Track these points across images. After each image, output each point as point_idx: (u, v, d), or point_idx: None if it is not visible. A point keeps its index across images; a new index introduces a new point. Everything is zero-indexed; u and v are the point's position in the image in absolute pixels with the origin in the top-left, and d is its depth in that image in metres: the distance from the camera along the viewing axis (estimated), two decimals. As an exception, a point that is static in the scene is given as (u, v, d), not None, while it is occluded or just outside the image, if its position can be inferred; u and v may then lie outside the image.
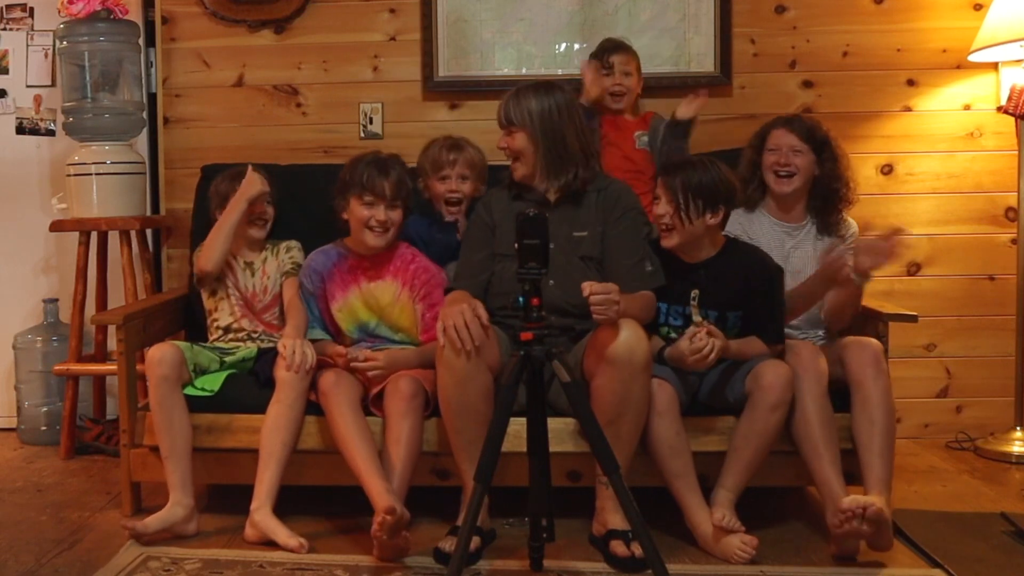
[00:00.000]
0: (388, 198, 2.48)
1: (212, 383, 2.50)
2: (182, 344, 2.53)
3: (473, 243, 2.49)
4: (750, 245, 2.51)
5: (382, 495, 2.16)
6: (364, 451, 2.27)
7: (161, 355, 2.40)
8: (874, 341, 2.33)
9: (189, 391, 2.46)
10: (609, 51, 2.93)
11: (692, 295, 2.37)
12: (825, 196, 2.57)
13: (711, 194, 2.33)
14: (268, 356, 2.50)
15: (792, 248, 2.58)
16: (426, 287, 2.56)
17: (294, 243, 2.76)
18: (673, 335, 2.38)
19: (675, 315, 2.41)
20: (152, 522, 2.28)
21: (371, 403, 2.40)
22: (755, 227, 2.58)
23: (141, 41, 3.32)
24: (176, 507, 2.33)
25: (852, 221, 2.64)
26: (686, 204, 2.32)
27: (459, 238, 2.66)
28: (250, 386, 2.50)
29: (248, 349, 2.63)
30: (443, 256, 2.65)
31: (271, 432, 2.34)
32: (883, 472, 2.22)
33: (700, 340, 2.21)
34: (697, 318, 2.35)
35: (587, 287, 2.09)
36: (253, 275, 2.70)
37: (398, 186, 2.50)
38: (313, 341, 2.50)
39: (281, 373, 2.38)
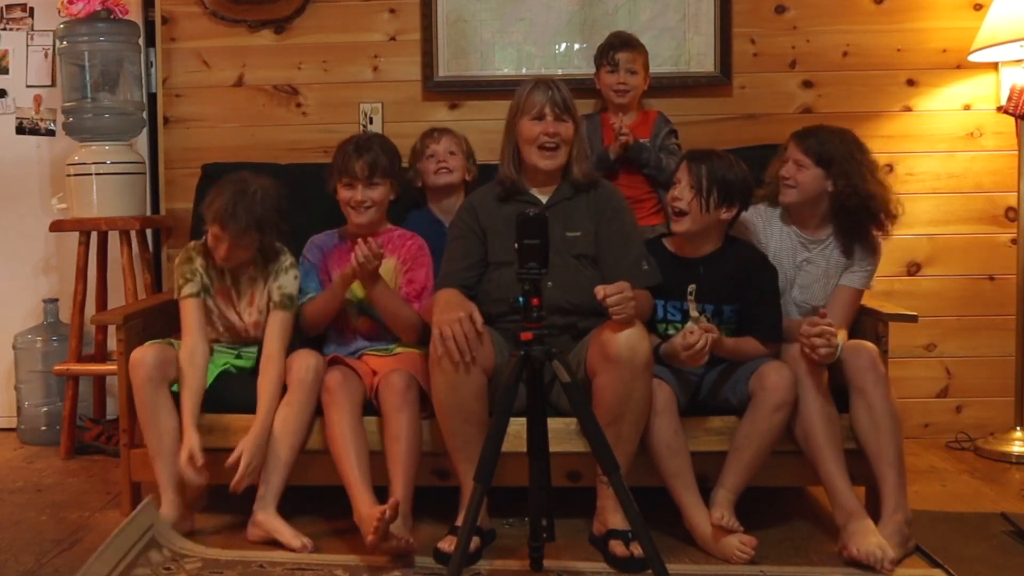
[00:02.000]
0: (364, 178, 2.53)
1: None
2: (166, 341, 2.49)
3: (459, 249, 2.46)
4: (749, 243, 2.52)
5: (368, 504, 2.20)
6: (355, 459, 2.28)
7: (143, 356, 2.37)
8: (870, 345, 2.32)
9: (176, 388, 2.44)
10: (616, 48, 2.90)
11: (689, 290, 2.37)
12: (847, 213, 2.48)
13: (732, 189, 2.37)
14: None
15: (805, 261, 2.54)
16: (412, 262, 2.59)
17: (285, 259, 2.54)
18: (672, 331, 2.39)
19: (673, 311, 2.42)
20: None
21: (374, 398, 2.39)
22: (771, 228, 2.56)
23: (141, 41, 3.32)
24: (169, 508, 2.33)
25: (879, 256, 2.54)
26: (707, 192, 2.35)
27: None
28: (249, 386, 2.49)
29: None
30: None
31: (279, 435, 2.34)
32: (898, 481, 2.22)
33: (693, 336, 2.22)
34: (694, 313, 2.35)
35: (600, 291, 2.09)
36: (240, 297, 2.55)
37: (373, 165, 2.53)
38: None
39: (290, 376, 2.38)
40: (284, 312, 2.50)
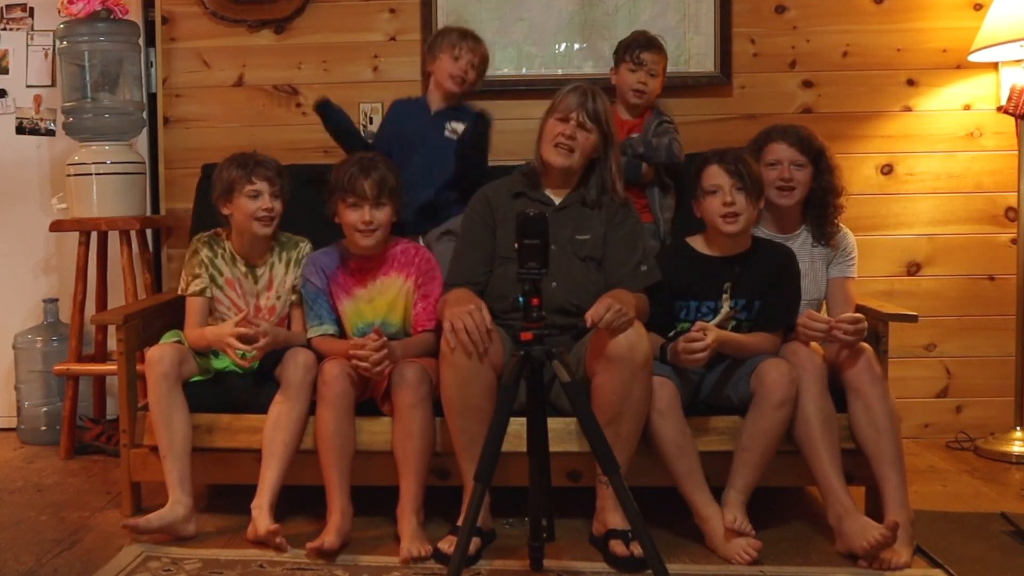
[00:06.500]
0: (371, 198, 2.44)
1: (216, 364, 2.54)
2: (175, 337, 2.52)
3: (472, 242, 2.48)
4: (776, 242, 2.54)
5: (339, 513, 2.27)
6: (337, 462, 2.30)
7: (160, 354, 2.39)
8: (866, 346, 2.33)
9: (196, 378, 2.50)
10: (643, 46, 2.85)
11: (725, 287, 2.38)
12: (820, 206, 2.58)
13: (758, 180, 2.43)
14: (272, 356, 2.48)
15: None
16: (424, 277, 2.54)
17: (305, 246, 2.65)
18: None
19: (707, 310, 2.42)
20: (153, 518, 2.28)
21: (380, 403, 2.40)
22: None
23: (141, 41, 3.32)
24: (176, 506, 2.33)
25: (848, 231, 2.63)
26: (750, 190, 2.39)
27: (448, 135, 2.82)
28: (249, 386, 2.49)
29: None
30: (414, 139, 2.82)
31: (272, 431, 2.34)
32: (899, 481, 2.22)
33: (698, 344, 2.22)
34: (727, 308, 2.36)
35: (589, 320, 2.10)
36: (256, 282, 2.61)
37: (380, 185, 2.45)
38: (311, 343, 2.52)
39: (284, 373, 2.38)
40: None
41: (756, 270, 2.43)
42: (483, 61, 2.90)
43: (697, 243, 2.51)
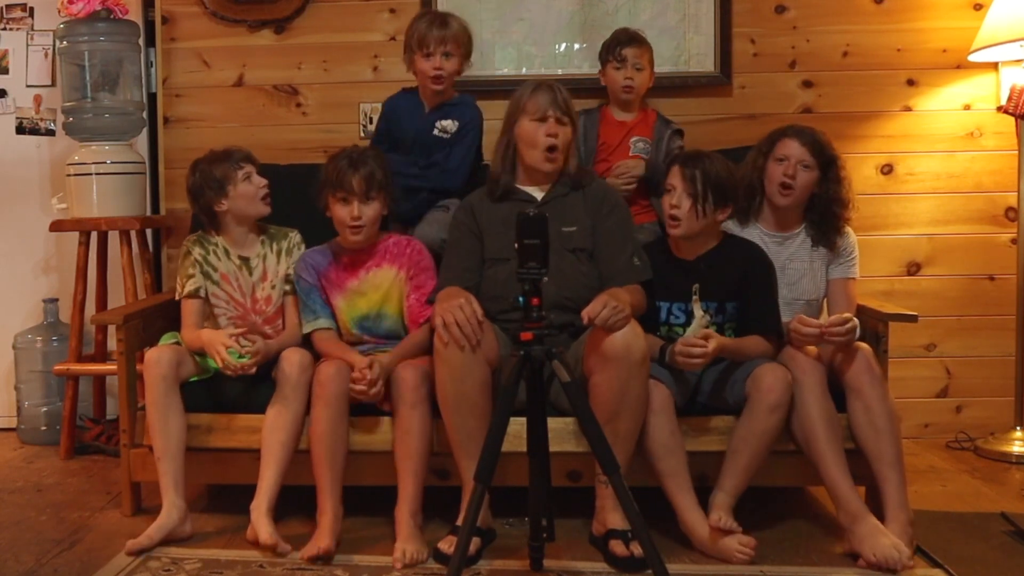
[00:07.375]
0: (360, 193, 2.46)
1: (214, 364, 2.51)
2: (174, 338, 2.53)
3: (460, 250, 2.48)
4: (746, 239, 2.53)
5: (330, 513, 2.27)
6: (329, 462, 2.30)
7: (159, 356, 2.39)
8: (865, 345, 2.33)
9: (195, 378, 2.50)
10: (623, 43, 2.88)
11: (694, 289, 2.37)
12: (824, 213, 2.55)
13: (725, 190, 2.38)
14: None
15: (787, 260, 2.56)
16: (416, 268, 2.55)
17: (295, 236, 2.69)
18: (674, 334, 2.39)
19: (677, 312, 2.42)
20: (153, 533, 2.27)
21: (380, 401, 2.39)
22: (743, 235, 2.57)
23: (141, 41, 3.32)
24: (171, 510, 2.33)
25: (849, 231, 2.61)
26: (703, 196, 2.35)
27: (438, 133, 2.77)
28: (249, 386, 2.49)
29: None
30: (407, 140, 2.79)
31: (269, 432, 2.34)
32: (899, 481, 2.22)
33: (696, 351, 2.22)
34: (699, 312, 2.36)
35: (585, 317, 2.10)
36: (252, 274, 2.63)
37: (369, 180, 2.46)
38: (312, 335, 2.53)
39: (280, 373, 2.38)
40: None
41: (722, 269, 2.41)
42: (459, 43, 2.73)
43: (671, 243, 2.51)
